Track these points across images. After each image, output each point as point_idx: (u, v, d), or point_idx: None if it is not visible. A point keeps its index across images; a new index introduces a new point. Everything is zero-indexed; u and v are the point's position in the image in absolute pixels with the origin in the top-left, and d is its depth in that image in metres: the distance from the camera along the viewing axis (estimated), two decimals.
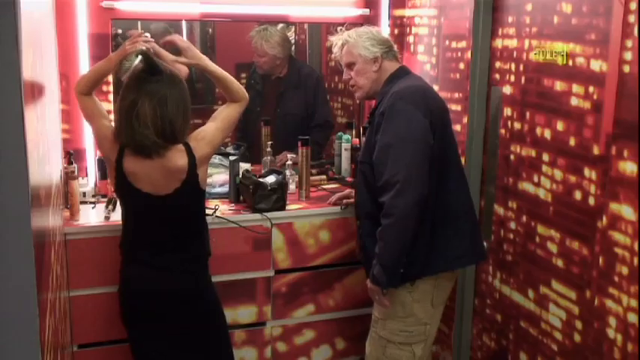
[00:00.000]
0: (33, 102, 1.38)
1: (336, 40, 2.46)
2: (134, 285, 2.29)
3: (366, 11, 3.23)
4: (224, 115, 2.35)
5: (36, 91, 1.49)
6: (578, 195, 2.16)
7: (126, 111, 2.15)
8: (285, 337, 2.87)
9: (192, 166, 2.22)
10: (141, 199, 2.22)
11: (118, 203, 2.67)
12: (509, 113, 2.50)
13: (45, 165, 1.66)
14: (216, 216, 2.63)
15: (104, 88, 2.86)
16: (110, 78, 2.85)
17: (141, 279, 2.28)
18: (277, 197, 2.73)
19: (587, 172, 2.12)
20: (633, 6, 1.89)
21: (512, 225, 2.51)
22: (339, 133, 3.31)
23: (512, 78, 2.47)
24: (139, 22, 3.04)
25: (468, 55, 2.68)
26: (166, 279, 2.29)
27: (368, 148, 2.32)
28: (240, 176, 2.82)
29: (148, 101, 2.13)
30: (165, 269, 2.29)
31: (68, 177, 2.60)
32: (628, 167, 1.94)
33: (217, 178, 2.95)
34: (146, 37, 2.30)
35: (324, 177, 3.22)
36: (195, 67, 2.44)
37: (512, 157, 2.50)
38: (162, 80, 2.17)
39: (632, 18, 1.90)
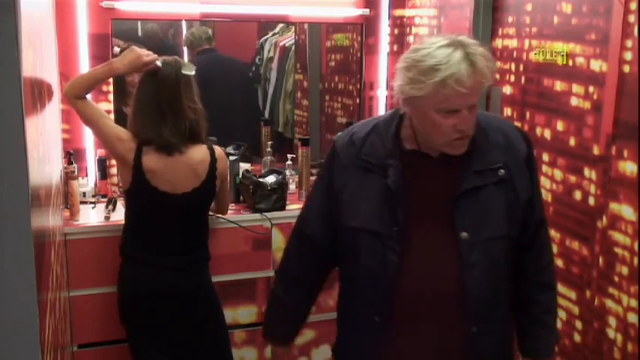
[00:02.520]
0: (33, 102, 1.38)
1: (486, 67, 1.45)
2: (136, 284, 2.29)
3: (366, 11, 3.23)
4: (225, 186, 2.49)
5: (36, 90, 1.49)
6: (578, 195, 2.16)
7: (151, 109, 2.20)
8: None
9: (213, 166, 2.30)
10: (157, 198, 2.23)
11: (119, 204, 2.68)
12: (509, 113, 2.50)
13: (45, 165, 1.65)
14: (217, 216, 2.63)
15: (104, 88, 2.86)
16: (110, 78, 2.85)
17: (144, 279, 2.29)
18: (277, 197, 2.73)
19: (587, 172, 2.12)
20: (633, 6, 1.89)
21: None
22: (339, 133, 3.30)
23: (512, 78, 2.47)
24: (139, 22, 3.04)
25: None
26: (169, 278, 2.30)
27: (509, 216, 1.58)
28: (240, 176, 2.82)
29: (171, 100, 2.20)
30: (168, 269, 2.29)
31: (68, 177, 2.60)
32: (628, 167, 1.94)
33: None
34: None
35: None
36: None
37: None
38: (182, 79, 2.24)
39: (632, 18, 1.90)
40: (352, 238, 1.63)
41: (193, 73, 2.31)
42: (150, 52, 2.25)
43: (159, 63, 2.24)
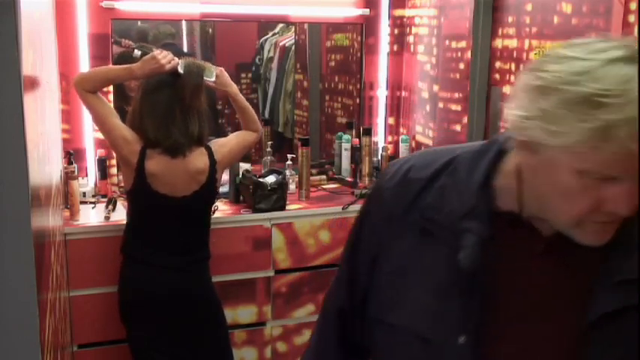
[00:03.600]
0: (33, 102, 1.38)
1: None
2: (136, 284, 2.29)
3: (366, 11, 3.23)
4: (242, 138, 2.44)
5: (36, 91, 1.49)
6: None
7: (160, 112, 2.20)
8: (285, 337, 2.87)
9: (213, 169, 2.29)
10: (156, 201, 2.24)
11: (119, 204, 2.69)
12: None
13: (45, 165, 1.65)
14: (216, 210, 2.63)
15: (104, 88, 2.86)
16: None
17: (145, 279, 2.29)
18: (277, 197, 2.73)
19: None
20: (633, 6, 1.89)
21: None
22: (339, 133, 3.31)
23: (513, 78, 2.47)
24: (139, 22, 3.04)
25: (468, 55, 2.68)
26: (171, 279, 2.30)
27: None
28: (240, 176, 2.82)
29: (182, 102, 2.21)
30: (168, 269, 2.30)
31: (68, 177, 2.60)
32: None
33: None
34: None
35: (324, 177, 3.22)
36: (223, 93, 2.48)
37: None
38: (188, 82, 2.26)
39: (632, 18, 1.90)
40: (385, 339, 1.02)
41: (214, 78, 2.32)
42: (171, 57, 2.25)
43: (180, 69, 2.25)
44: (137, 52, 2.32)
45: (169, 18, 3.05)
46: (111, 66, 2.37)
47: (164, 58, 2.23)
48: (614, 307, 0.87)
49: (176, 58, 2.27)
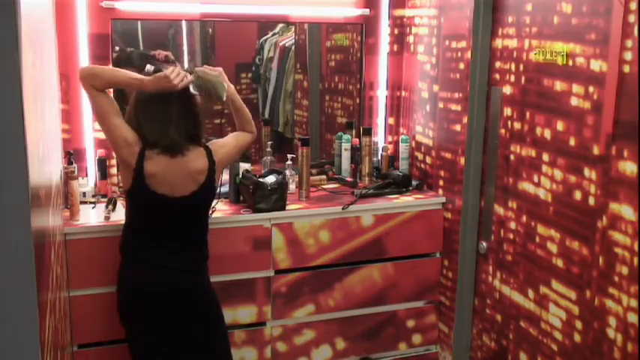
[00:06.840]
0: (33, 102, 1.38)
1: None
2: (137, 284, 2.29)
3: (366, 11, 3.23)
4: (239, 138, 2.46)
5: (36, 90, 1.49)
6: (578, 195, 2.16)
7: (156, 112, 2.21)
8: (285, 337, 2.87)
9: (212, 170, 2.30)
10: (155, 201, 2.24)
11: (119, 204, 2.69)
12: (509, 113, 2.50)
13: (45, 165, 1.65)
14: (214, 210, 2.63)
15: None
16: None
17: (144, 279, 2.29)
18: (277, 197, 2.73)
19: (587, 172, 2.12)
20: (633, 6, 1.89)
21: (512, 225, 2.51)
22: (339, 133, 3.31)
23: (512, 78, 2.47)
24: (139, 22, 3.04)
25: (468, 55, 2.68)
26: (169, 279, 2.30)
27: None
28: (240, 176, 2.82)
29: (178, 102, 2.22)
30: (167, 268, 2.30)
31: (68, 177, 2.60)
32: (628, 167, 1.94)
33: None
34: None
35: (324, 177, 3.22)
36: None
37: (512, 157, 2.50)
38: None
39: (632, 18, 1.90)
40: None
41: (225, 97, 2.32)
42: (183, 75, 2.23)
43: (193, 90, 2.26)
44: (149, 68, 2.26)
45: (169, 18, 3.05)
46: (124, 71, 2.30)
47: (177, 77, 2.19)
48: None
49: (188, 75, 2.25)
